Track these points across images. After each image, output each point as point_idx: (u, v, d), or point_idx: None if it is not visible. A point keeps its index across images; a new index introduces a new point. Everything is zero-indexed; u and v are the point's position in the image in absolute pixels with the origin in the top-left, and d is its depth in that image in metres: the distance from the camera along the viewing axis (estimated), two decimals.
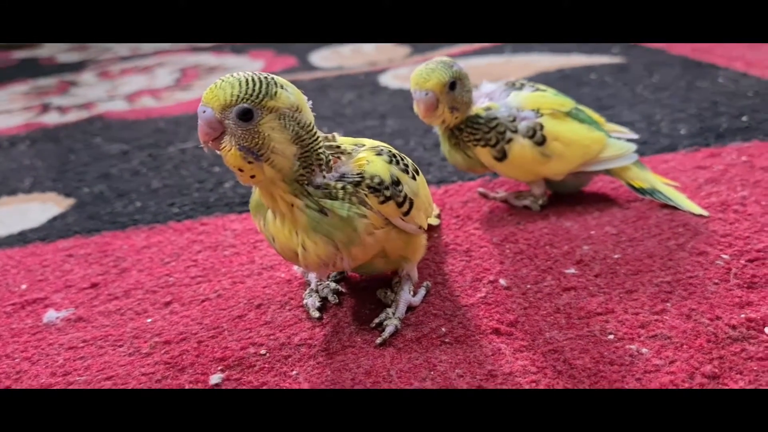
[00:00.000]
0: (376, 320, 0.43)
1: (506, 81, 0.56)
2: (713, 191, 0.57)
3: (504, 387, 0.36)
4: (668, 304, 0.42)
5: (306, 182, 0.38)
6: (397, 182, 0.40)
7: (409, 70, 1.09)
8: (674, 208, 0.54)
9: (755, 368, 0.36)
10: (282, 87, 0.37)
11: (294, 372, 0.40)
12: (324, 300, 0.46)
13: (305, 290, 0.48)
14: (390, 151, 0.42)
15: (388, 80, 1.05)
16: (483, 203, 0.59)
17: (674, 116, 0.76)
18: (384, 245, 0.42)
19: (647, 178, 0.56)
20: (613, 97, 0.86)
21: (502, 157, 0.53)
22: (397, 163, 0.41)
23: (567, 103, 0.55)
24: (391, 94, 0.97)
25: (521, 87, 0.55)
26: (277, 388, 0.38)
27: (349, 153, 0.41)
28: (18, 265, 0.57)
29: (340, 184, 0.39)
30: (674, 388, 0.35)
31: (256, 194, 0.41)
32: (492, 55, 1.15)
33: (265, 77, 0.36)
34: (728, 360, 0.37)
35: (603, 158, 0.55)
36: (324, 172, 0.38)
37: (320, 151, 0.38)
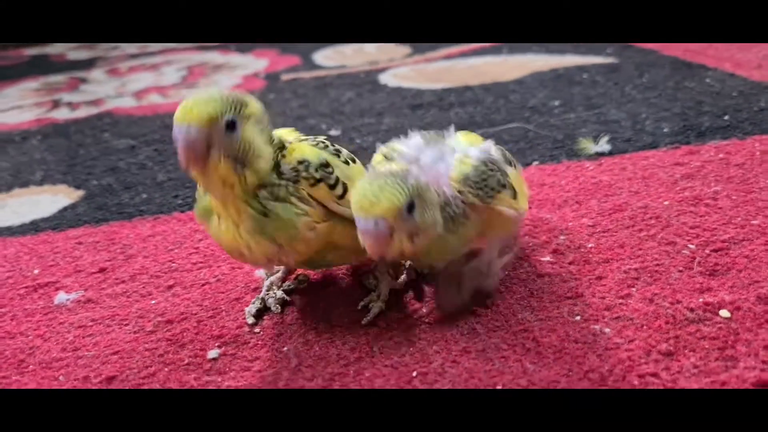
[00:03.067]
0: (362, 303, 0.46)
1: (416, 139, 0.48)
2: (687, 186, 0.60)
3: (476, 361, 0.40)
4: (633, 290, 0.45)
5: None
6: (326, 164, 0.42)
7: (409, 70, 1.13)
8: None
9: (707, 346, 0.39)
10: (248, 97, 0.39)
11: (285, 348, 0.43)
12: (265, 309, 0.47)
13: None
14: (320, 139, 0.44)
15: (387, 79, 1.09)
16: None
17: (659, 115, 0.79)
18: (331, 239, 0.42)
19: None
20: (602, 96, 0.89)
21: (514, 194, 0.45)
22: (326, 147, 0.43)
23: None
24: (389, 93, 1.00)
25: (443, 136, 0.49)
26: (269, 362, 0.42)
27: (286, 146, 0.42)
28: (30, 252, 0.60)
29: (283, 183, 0.40)
30: (631, 364, 0.38)
31: (202, 202, 0.43)
32: (489, 55, 1.18)
33: (232, 91, 0.39)
34: (683, 339, 0.40)
35: None
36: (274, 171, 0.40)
37: (277, 150, 0.41)
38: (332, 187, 0.42)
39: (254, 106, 0.40)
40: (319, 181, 0.41)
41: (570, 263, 0.49)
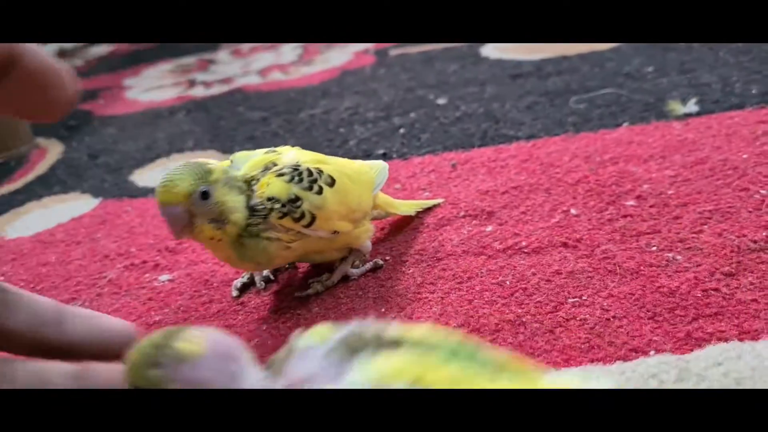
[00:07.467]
0: (310, 281, 0.54)
1: None
2: (767, 141, 0.66)
3: (567, 280, 0.49)
4: (705, 227, 0.53)
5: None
6: (294, 199, 0.47)
7: (509, 44, 1.20)
8: None
9: (764, 269, 0.46)
10: (209, 163, 0.46)
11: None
12: (251, 283, 0.56)
13: None
14: (296, 170, 0.48)
15: (489, 51, 1.16)
16: (565, 154, 0.70)
17: (749, 78, 0.84)
18: (308, 250, 0.50)
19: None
20: (696, 60, 0.93)
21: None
22: (300, 181, 0.48)
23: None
24: (491, 64, 1.08)
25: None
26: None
27: (257, 180, 0.48)
28: None
29: (255, 222, 0.47)
30: (696, 282, 0.46)
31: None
32: None
33: (196, 163, 0.46)
34: (744, 264, 0.47)
35: None
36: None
37: (247, 189, 0.48)
38: (297, 219, 0.48)
39: (218, 170, 0.46)
40: (285, 214, 0.47)
41: (651, 206, 0.57)
